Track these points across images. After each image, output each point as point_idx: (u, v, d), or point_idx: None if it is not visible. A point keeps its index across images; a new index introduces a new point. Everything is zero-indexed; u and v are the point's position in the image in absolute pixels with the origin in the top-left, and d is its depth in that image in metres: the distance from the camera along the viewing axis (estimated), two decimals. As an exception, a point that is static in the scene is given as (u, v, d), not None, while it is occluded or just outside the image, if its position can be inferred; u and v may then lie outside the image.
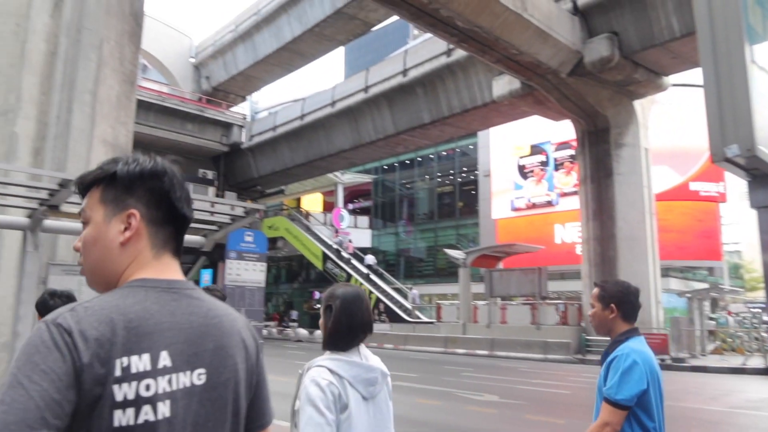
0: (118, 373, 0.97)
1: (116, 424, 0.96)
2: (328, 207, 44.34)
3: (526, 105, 21.89)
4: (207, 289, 4.42)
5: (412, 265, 42.34)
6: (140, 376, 0.99)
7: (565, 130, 27.23)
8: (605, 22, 18.70)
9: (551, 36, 17.42)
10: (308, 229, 35.80)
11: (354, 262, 33.18)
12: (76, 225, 6.20)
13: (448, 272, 35.74)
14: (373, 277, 31.85)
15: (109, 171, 1.15)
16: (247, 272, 7.15)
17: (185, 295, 1.14)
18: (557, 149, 33.38)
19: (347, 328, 2.12)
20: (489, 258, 25.94)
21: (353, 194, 47.12)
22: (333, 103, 29.55)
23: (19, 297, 5.32)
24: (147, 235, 1.15)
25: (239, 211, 6.47)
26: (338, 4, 26.72)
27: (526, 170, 34.98)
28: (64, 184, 4.92)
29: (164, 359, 1.03)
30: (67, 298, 3.27)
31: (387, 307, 28.99)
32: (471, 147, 39.36)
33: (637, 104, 21.36)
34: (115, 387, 0.96)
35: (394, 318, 28.17)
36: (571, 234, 31.20)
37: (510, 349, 20.49)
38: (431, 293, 36.91)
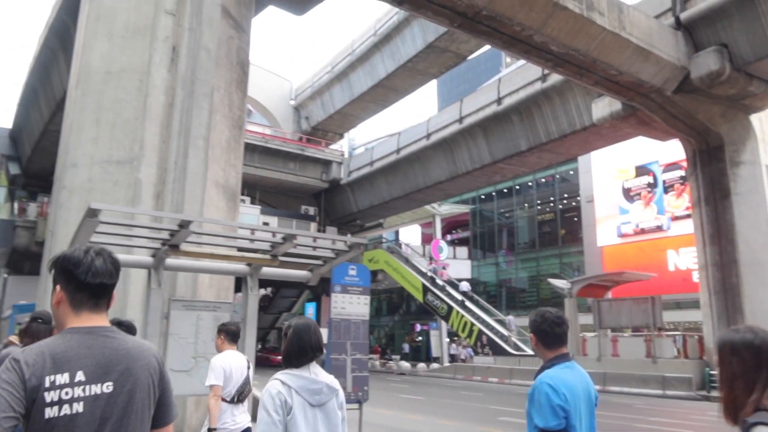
0: (47, 385, 1.59)
1: (47, 416, 1.57)
2: (427, 239, 44.37)
3: (629, 126, 20.97)
4: (223, 325, 4.88)
5: (514, 296, 41.25)
6: (62, 386, 1.60)
7: (673, 149, 25.76)
8: (712, 34, 17.67)
9: (653, 53, 16.70)
10: (407, 262, 35.95)
11: (449, 289, 32.97)
12: (194, 263, 6.61)
13: (552, 303, 34.46)
14: (468, 303, 31.37)
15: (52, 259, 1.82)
16: (351, 305, 7.26)
17: (101, 336, 1.75)
18: (665, 170, 31.57)
19: (297, 350, 2.72)
20: (596, 287, 24.76)
21: (451, 225, 46.91)
22: (428, 136, 29.81)
23: (145, 331, 5.71)
24: (66, 300, 1.78)
25: (341, 246, 6.62)
26: (429, 38, 27.14)
27: (632, 193, 33.29)
28: (183, 225, 5.28)
29: (80, 376, 1.65)
30: (128, 327, 4.11)
31: (490, 339, 28.32)
32: (571, 172, 38.14)
33: (755, 118, 19.84)
34: (46, 393, 1.58)
35: (497, 351, 27.44)
36: (686, 260, 29.18)
37: (624, 384, 19.29)
38: (535, 325, 35.67)
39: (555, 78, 21.90)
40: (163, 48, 8.56)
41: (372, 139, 49.20)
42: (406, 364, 30.12)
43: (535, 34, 14.90)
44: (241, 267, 6.54)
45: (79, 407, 1.64)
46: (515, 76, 25.29)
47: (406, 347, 36.91)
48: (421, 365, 31.21)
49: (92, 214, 4.85)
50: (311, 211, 36.66)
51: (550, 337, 2.77)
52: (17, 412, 1.55)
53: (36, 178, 29.75)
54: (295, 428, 2.56)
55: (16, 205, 28.60)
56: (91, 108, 8.32)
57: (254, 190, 33.80)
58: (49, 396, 1.60)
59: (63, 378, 1.63)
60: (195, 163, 8.30)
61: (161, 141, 8.17)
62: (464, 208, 44.86)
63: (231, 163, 9.14)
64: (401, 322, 44.90)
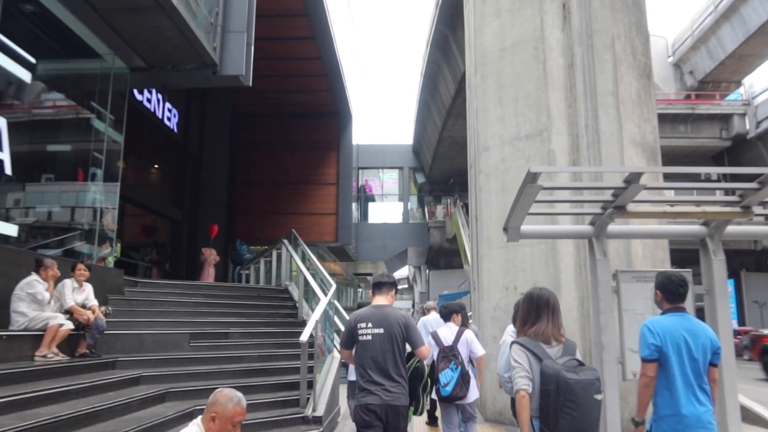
0: (358, 326, 4.09)
1: (360, 339, 4.05)
2: None
3: None
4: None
5: None
6: (363, 328, 4.06)
7: None
8: None
9: None
10: None
11: None
12: (638, 228, 5.71)
13: None
14: None
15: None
16: None
17: (379, 308, 4.14)
18: None
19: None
20: None
21: None
22: None
23: (597, 307, 5.06)
24: (372, 293, 4.39)
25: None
26: None
27: None
28: (631, 179, 4.44)
29: (370, 324, 4.06)
30: (462, 307, 5.86)
31: None
32: None
33: None
34: (358, 330, 4.08)
35: None
36: None
37: None
38: None
39: None
40: (553, 8, 7.96)
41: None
42: None
43: None
44: (695, 228, 5.35)
45: (369, 337, 3.97)
46: None
47: None
48: None
49: (532, 179, 4.40)
50: (713, 176, 31.81)
51: (674, 295, 3.58)
52: (349, 342, 4.12)
53: (438, 183, 33.36)
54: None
55: (426, 210, 32.53)
56: (491, 89, 8.25)
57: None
58: (360, 331, 4.01)
59: (364, 324, 4.01)
60: (607, 123, 7.42)
61: (567, 106, 7.55)
62: None
63: (645, 118, 7.95)
64: None
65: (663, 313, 3.57)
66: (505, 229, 5.31)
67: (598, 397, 2.97)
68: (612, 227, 5.26)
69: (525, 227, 5.23)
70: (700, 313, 5.55)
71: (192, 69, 9.32)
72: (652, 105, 8.21)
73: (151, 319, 7.65)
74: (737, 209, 4.87)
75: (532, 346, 3.09)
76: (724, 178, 30.51)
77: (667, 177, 10.08)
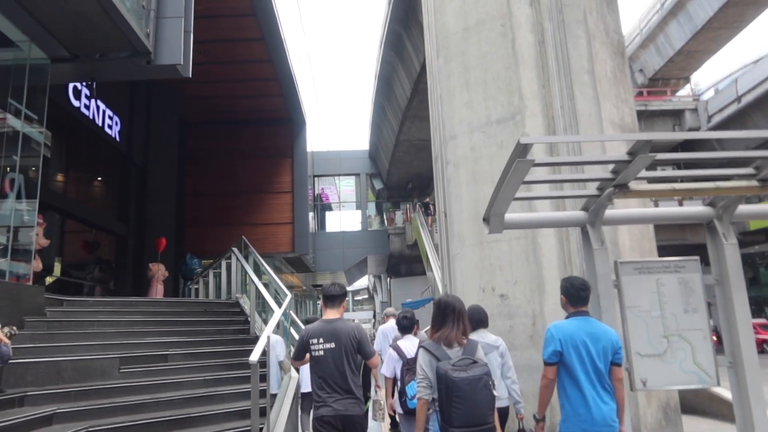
0: (311, 342, 4.23)
1: (313, 354, 4.22)
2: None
3: None
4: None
5: None
6: (315, 344, 4.21)
7: None
8: None
9: None
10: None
11: None
12: (635, 212, 5.02)
13: None
14: None
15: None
16: None
17: (330, 323, 4.30)
18: None
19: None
20: None
21: None
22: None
23: (597, 306, 4.31)
24: (323, 305, 4.57)
25: None
26: None
27: None
28: (637, 149, 3.71)
29: (321, 340, 4.21)
30: (410, 319, 5.65)
31: None
32: None
33: None
34: (311, 345, 4.23)
35: None
36: None
37: None
38: None
39: None
40: (520, -18, 7.28)
41: (721, 77, 41.31)
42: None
43: None
44: (701, 210, 4.69)
45: (321, 352, 4.15)
46: None
47: None
48: None
49: (522, 152, 3.64)
50: (668, 170, 32.11)
51: (576, 298, 3.74)
52: (301, 354, 4.34)
53: (396, 188, 32.56)
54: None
55: (385, 216, 31.66)
56: (456, 72, 7.50)
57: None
58: (312, 346, 4.19)
59: (315, 339, 4.20)
60: (584, 103, 6.76)
61: (540, 86, 6.86)
62: None
63: (622, 98, 7.35)
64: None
65: (567, 317, 3.75)
66: (485, 220, 4.51)
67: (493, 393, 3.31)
68: (608, 212, 4.55)
69: (509, 216, 4.45)
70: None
71: (123, 58, 8.29)
72: (628, 84, 7.62)
73: (74, 343, 6.54)
74: (754, 183, 4.21)
75: (433, 349, 3.42)
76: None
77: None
